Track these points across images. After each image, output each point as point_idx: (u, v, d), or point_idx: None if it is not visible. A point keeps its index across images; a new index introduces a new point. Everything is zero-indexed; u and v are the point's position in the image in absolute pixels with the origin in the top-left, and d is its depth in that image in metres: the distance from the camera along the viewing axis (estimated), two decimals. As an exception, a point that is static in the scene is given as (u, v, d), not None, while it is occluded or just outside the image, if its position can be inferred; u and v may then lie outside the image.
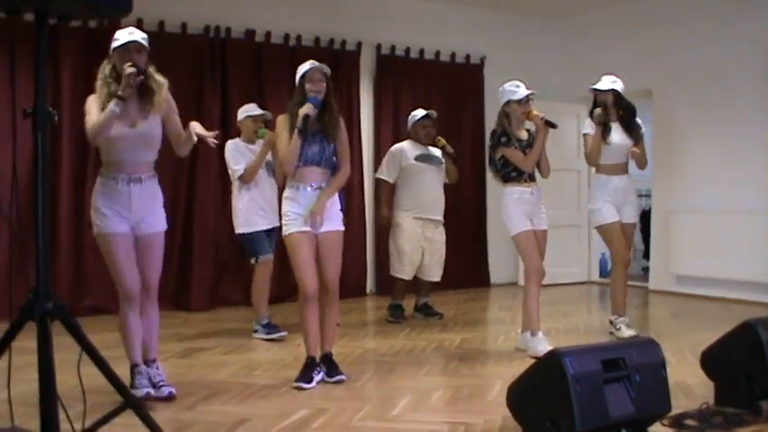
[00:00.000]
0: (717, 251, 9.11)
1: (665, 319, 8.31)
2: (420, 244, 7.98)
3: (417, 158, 7.92)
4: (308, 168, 5.28)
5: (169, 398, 4.79)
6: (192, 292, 8.68)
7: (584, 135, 7.00)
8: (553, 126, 6.13)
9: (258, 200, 6.99)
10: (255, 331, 7.00)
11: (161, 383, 4.87)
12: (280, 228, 5.54)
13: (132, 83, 4.57)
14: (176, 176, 8.47)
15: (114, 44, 4.70)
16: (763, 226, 8.77)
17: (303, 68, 5.34)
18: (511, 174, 6.26)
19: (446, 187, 8.18)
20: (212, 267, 8.86)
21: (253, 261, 7.02)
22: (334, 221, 5.38)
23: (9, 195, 3.38)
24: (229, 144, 7.07)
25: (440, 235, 8.11)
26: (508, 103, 6.24)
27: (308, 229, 5.25)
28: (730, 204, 9.12)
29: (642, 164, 7.04)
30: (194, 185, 8.73)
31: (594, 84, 6.94)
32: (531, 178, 6.31)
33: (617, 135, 6.86)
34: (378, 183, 8.28)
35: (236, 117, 7.33)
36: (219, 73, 8.96)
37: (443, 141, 7.95)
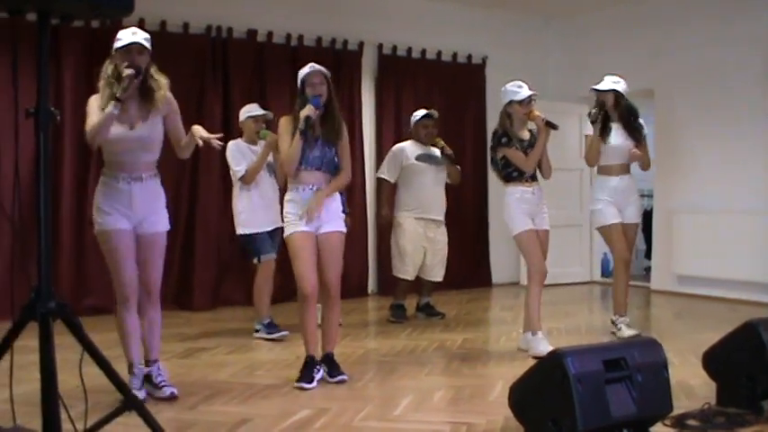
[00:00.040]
0: (719, 251, 9.10)
1: (666, 320, 8.31)
2: (422, 244, 7.98)
3: (418, 158, 7.92)
4: (309, 172, 5.30)
5: (171, 398, 4.79)
6: (194, 292, 8.69)
7: (586, 136, 7.02)
8: (554, 127, 6.13)
9: (258, 201, 6.98)
10: (257, 331, 7.00)
11: (162, 384, 4.88)
12: (282, 228, 5.54)
13: (127, 85, 4.57)
14: (178, 177, 8.47)
15: (116, 44, 4.70)
16: (766, 226, 8.76)
17: (302, 73, 5.35)
18: (512, 174, 6.26)
19: (448, 187, 8.17)
20: (214, 267, 8.86)
21: (255, 261, 7.02)
22: (335, 222, 5.38)
23: (11, 195, 3.38)
24: (231, 145, 7.07)
25: (441, 235, 8.11)
26: (510, 103, 6.24)
27: (308, 229, 5.26)
28: (732, 204, 9.12)
29: (645, 165, 7.05)
30: (196, 186, 8.74)
31: (596, 84, 6.94)
32: (533, 178, 6.31)
33: (617, 136, 6.86)
34: (379, 182, 8.28)
35: (237, 117, 7.33)
36: (221, 73, 8.96)
37: (442, 142, 7.94)
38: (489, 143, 6.48)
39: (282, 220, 5.44)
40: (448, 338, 6.99)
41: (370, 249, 10.00)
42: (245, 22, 9.11)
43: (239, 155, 6.98)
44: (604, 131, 6.87)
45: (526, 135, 6.29)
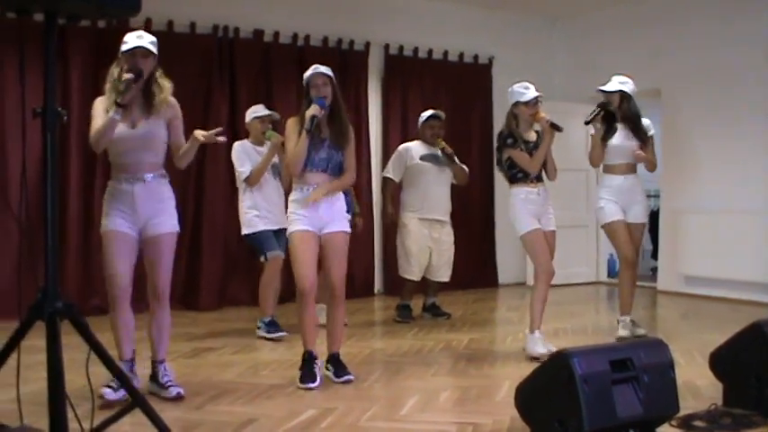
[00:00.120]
0: (725, 252, 9.08)
1: (673, 320, 8.30)
2: (427, 244, 7.98)
3: (423, 158, 7.92)
4: (315, 173, 5.31)
5: (177, 398, 4.80)
6: (201, 292, 8.70)
7: (592, 136, 7.02)
8: (558, 129, 6.12)
9: (261, 202, 6.99)
10: (258, 328, 7.02)
11: (169, 384, 4.88)
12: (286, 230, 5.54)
13: (124, 88, 4.56)
14: (185, 177, 8.47)
15: (122, 47, 4.71)
16: (773, 227, 8.75)
17: (307, 75, 5.38)
18: (517, 175, 6.25)
19: (454, 188, 8.16)
20: (221, 268, 8.88)
21: (262, 259, 7.03)
22: (339, 222, 5.39)
23: (18, 195, 3.40)
24: (236, 145, 7.08)
25: (447, 235, 8.11)
26: (516, 104, 6.22)
27: (311, 228, 5.27)
28: (739, 204, 9.09)
29: (651, 166, 7.03)
30: (203, 186, 8.75)
31: (603, 84, 6.94)
32: (538, 179, 6.29)
33: (622, 136, 6.85)
34: (384, 181, 8.29)
35: (244, 117, 7.33)
36: (228, 73, 8.97)
37: (443, 143, 7.92)
38: (495, 144, 6.47)
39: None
40: (454, 339, 6.99)
41: (377, 249, 10.00)
42: (252, 22, 9.12)
43: (244, 156, 6.99)
44: (609, 132, 6.88)
45: (532, 136, 6.28)
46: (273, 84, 9.11)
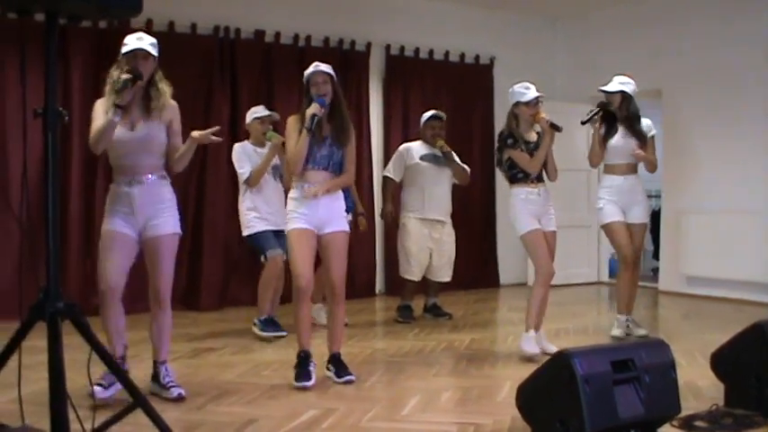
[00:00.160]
0: (727, 252, 9.08)
1: (674, 320, 8.30)
2: (427, 245, 7.98)
3: (422, 158, 7.93)
4: (316, 171, 5.31)
5: (178, 399, 4.79)
6: (202, 293, 8.70)
7: (593, 135, 7.02)
8: (558, 129, 6.11)
9: (261, 204, 6.99)
10: (254, 325, 7.03)
11: (170, 384, 4.88)
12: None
13: (120, 88, 4.55)
14: (186, 179, 8.47)
15: (123, 49, 4.71)
16: (775, 226, 8.75)
17: (307, 73, 5.38)
18: (518, 175, 6.25)
19: (455, 187, 8.17)
20: (222, 268, 8.88)
21: (262, 259, 7.03)
22: (338, 222, 5.39)
23: (20, 195, 3.40)
24: (236, 147, 7.09)
25: (447, 236, 8.11)
26: (517, 104, 6.22)
27: (309, 226, 5.27)
28: (741, 204, 9.09)
29: (651, 167, 7.02)
30: (204, 187, 8.75)
31: (605, 85, 6.94)
32: (539, 179, 6.28)
33: (622, 136, 6.85)
34: (384, 180, 8.29)
35: (245, 118, 7.33)
36: (229, 73, 8.97)
37: (440, 142, 7.92)
38: (496, 144, 6.47)
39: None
40: (455, 339, 6.99)
41: (378, 250, 10.01)
42: (253, 23, 9.12)
43: (244, 157, 7.00)
44: (609, 132, 6.88)
45: (533, 137, 6.27)
46: (275, 84, 9.11)
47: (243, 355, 6.32)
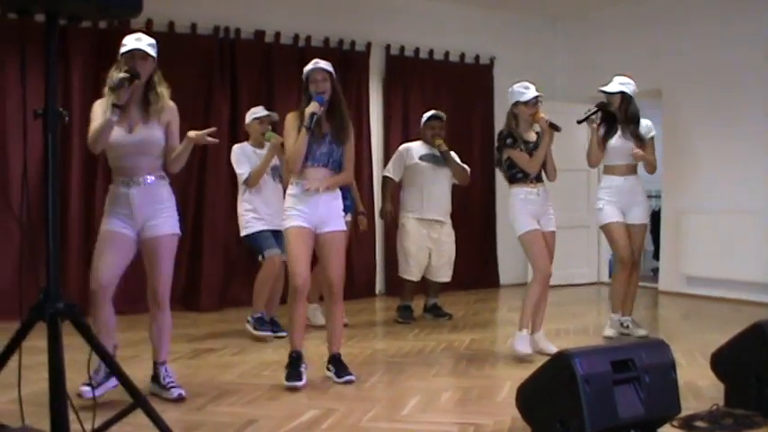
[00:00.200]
0: (727, 252, 9.08)
1: (675, 321, 8.30)
2: (426, 245, 7.99)
3: (422, 158, 7.94)
4: (315, 168, 5.30)
5: (178, 399, 4.80)
6: (202, 293, 8.70)
7: (591, 135, 7.02)
8: (557, 129, 6.11)
9: (259, 204, 6.99)
10: (248, 322, 7.03)
11: (170, 385, 4.88)
12: None
13: (116, 85, 4.54)
14: (186, 179, 8.49)
15: (121, 50, 4.71)
16: (775, 226, 8.75)
17: (306, 69, 5.38)
18: (517, 175, 6.25)
19: (455, 187, 8.17)
20: (222, 268, 8.88)
21: (260, 258, 7.03)
22: (336, 222, 5.39)
23: (20, 195, 3.39)
24: (235, 148, 7.10)
25: (447, 236, 8.11)
26: (516, 104, 6.22)
27: (307, 225, 5.26)
28: (741, 205, 9.09)
29: (650, 168, 7.01)
30: (204, 187, 8.75)
31: (605, 85, 6.93)
32: (538, 179, 6.28)
33: (622, 137, 6.85)
34: (384, 180, 8.30)
35: (245, 118, 7.33)
36: (229, 74, 8.97)
37: (439, 140, 7.91)
38: (495, 144, 6.47)
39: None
40: (455, 339, 6.99)
41: (378, 250, 10.01)
42: (253, 23, 9.12)
43: (243, 158, 7.00)
44: (609, 132, 6.88)
45: (532, 137, 6.27)
46: (275, 84, 9.11)
47: (243, 355, 6.32)
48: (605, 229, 7.00)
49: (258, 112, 7.16)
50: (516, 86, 6.25)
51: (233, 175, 7.39)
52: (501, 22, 10.95)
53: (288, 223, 5.28)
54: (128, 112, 4.68)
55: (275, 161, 6.99)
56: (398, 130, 10.01)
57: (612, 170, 6.97)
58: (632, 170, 6.97)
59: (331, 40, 9.63)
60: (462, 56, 10.69)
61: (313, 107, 5.20)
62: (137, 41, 4.69)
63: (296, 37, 9.39)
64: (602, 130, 6.91)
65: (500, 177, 6.73)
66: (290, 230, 5.27)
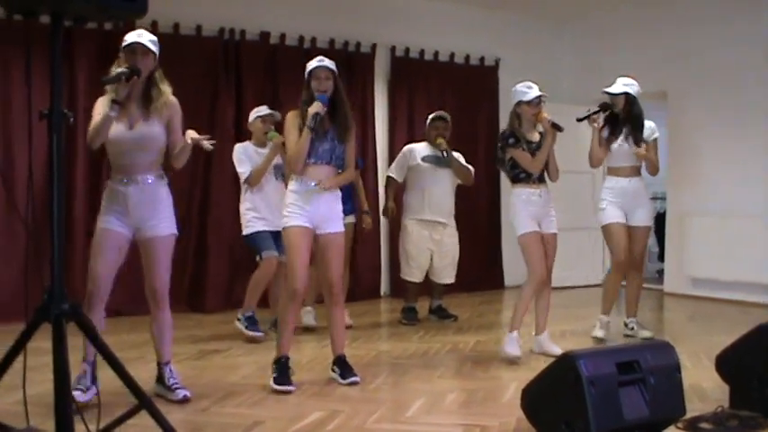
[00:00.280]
0: (732, 254, 9.07)
1: (680, 322, 8.28)
2: (427, 246, 7.98)
3: (424, 159, 7.94)
4: (318, 166, 5.29)
5: (183, 401, 4.79)
6: (207, 294, 8.70)
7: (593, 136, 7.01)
8: (559, 129, 6.11)
9: (260, 204, 6.99)
10: (238, 320, 7.04)
11: (175, 386, 4.88)
12: None
13: (112, 79, 4.54)
14: (191, 178, 8.50)
15: (122, 45, 4.71)
16: (780, 228, 8.73)
17: (310, 66, 5.37)
18: (520, 175, 6.24)
19: (459, 188, 8.17)
20: (227, 269, 8.87)
21: (257, 259, 7.02)
22: (336, 223, 5.38)
23: (25, 196, 3.39)
24: (237, 147, 7.10)
25: (449, 237, 8.10)
26: (519, 103, 6.21)
27: (308, 225, 5.25)
28: (746, 207, 9.08)
29: (652, 169, 6.98)
30: (209, 187, 8.76)
31: (608, 86, 6.93)
32: (541, 180, 6.27)
33: (626, 138, 6.84)
34: (387, 179, 8.30)
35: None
36: (234, 75, 8.97)
37: (439, 140, 7.91)
38: (498, 143, 6.45)
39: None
40: (460, 341, 6.99)
41: (383, 252, 10.00)
42: (258, 25, 9.12)
43: (244, 157, 7.00)
44: (613, 134, 6.87)
45: (535, 137, 6.26)
46: (280, 86, 9.10)
47: (248, 356, 6.32)
48: (605, 229, 6.99)
49: (261, 110, 7.17)
50: (519, 86, 6.24)
51: (238, 175, 7.39)
52: (506, 23, 10.95)
53: (290, 222, 5.24)
54: (128, 108, 4.67)
55: (278, 160, 6.99)
56: (403, 132, 10.01)
57: (617, 171, 6.96)
58: (636, 172, 6.96)
59: (336, 41, 9.64)
60: (467, 57, 10.69)
61: (316, 107, 5.18)
62: (138, 36, 4.69)
63: (301, 38, 9.40)
64: (605, 132, 6.91)
65: (505, 178, 6.73)
66: (293, 230, 5.23)
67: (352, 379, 5.31)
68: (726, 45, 9.29)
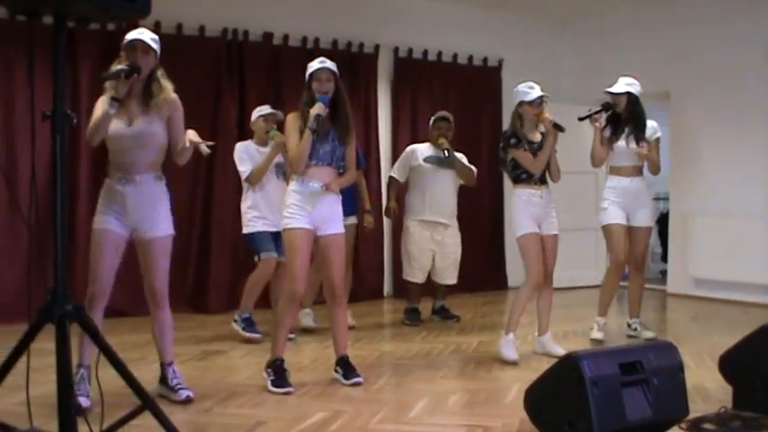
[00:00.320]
0: (735, 254, 9.06)
1: (683, 323, 8.28)
2: (429, 247, 7.98)
3: (426, 160, 7.93)
4: (319, 167, 5.28)
5: (186, 401, 4.79)
6: (210, 295, 8.69)
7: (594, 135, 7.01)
8: (561, 129, 6.10)
9: (261, 203, 6.98)
10: (235, 321, 7.04)
11: (178, 386, 4.88)
12: None
13: (111, 75, 4.53)
14: (194, 178, 8.51)
15: (123, 43, 4.71)
16: (783, 229, 8.72)
17: (311, 67, 5.36)
18: (521, 176, 6.23)
19: (462, 189, 8.16)
20: (230, 270, 8.87)
21: (256, 259, 7.01)
22: (337, 224, 5.37)
23: (28, 197, 3.39)
24: (238, 146, 7.10)
25: (451, 238, 8.09)
26: (521, 104, 6.21)
27: (310, 226, 5.24)
28: (749, 207, 9.07)
29: (654, 169, 6.98)
30: (212, 187, 8.75)
31: (610, 86, 6.92)
32: (542, 181, 6.26)
33: (628, 138, 6.83)
34: (389, 179, 8.30)
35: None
36: (237, 76, 8.98)
37: (441, 139, 7.91)
38: (500, 144, 6.44)
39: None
40: (463, 341, 6.99)
41: (386, 252, 10.00)
42: (261, 25, 9.13)
43: (245, 156, 6.99)
44: (615, 133, 6.87)
45: (537, 137, 6.25)
46: (283, 86, 9.10)
47: (251, 357, 6.32)
48: (605, 229, 6.98)
49: (264, 110, 7.16)
50: (521, 86, 6.24)
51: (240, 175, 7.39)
52: (509, 24, 10.95)
53: (290, 224, 5.22)
54: (128, 105, 4.67)
55: (279, 158, 6.98)
56: (407, 133, 10.01)
57: (619, 171, 6.95)
58: (638, 172, 6.95)
59: (339, 42, 9.64)
60: (470, 58, 10.69)
61: (318, 109, 5.17)
62: (139, 34, 4.68)
63: (304, 39, 9.40)
64: (607, 131, 6.90)
65: (507, 179, 6.72)
66: (293, 232, 5.21)
67: (356, 379, 5.31)
68: (726, 45, 9.29)
